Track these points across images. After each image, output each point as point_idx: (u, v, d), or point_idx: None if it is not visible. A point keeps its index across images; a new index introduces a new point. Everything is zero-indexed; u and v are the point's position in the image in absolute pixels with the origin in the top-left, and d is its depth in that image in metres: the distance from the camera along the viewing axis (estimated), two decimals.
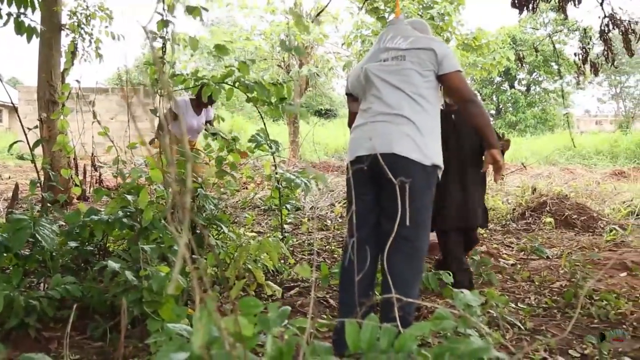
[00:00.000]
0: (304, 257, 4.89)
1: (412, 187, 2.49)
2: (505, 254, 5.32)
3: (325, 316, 3.49)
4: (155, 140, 5.39)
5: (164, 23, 3.27)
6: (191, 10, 3.26)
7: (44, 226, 3.02)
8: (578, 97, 65.70)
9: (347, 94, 3.19)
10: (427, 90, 2.71)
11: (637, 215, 7.46)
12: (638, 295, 4.14)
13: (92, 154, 6.76)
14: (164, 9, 3.21)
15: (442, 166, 2.75)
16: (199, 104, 5.81)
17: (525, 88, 34.54)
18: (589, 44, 7.24)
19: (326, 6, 5.81)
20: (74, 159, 6.40)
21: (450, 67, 2.70)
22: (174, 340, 1.37)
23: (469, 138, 3.95)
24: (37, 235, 2.94)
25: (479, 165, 3.92)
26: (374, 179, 2.73)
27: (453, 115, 4.01)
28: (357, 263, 2.68)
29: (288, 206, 4.48)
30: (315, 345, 1.27)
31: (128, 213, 3.22)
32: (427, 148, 2.64)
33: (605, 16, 6.54)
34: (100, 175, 7.13)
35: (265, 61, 15.48)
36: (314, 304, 3.72)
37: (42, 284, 3.23)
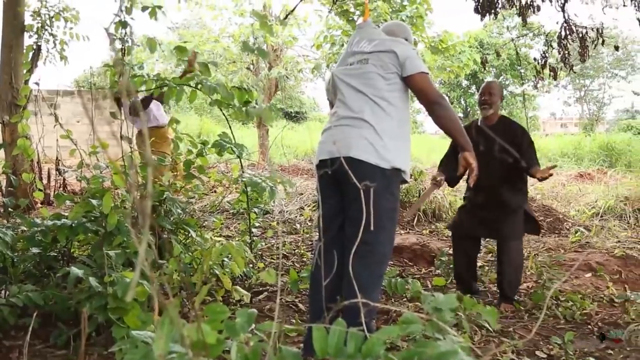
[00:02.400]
0: (272, 261, 4.85)
1: (369, 191, 2.50)
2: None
3: (294, 320, 3.47)
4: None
5: (122, 24, 3.22)
6: (145, 9, 3.22)
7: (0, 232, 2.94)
8: (544, 100, 66.79)
9: (328, 99, 3.18)
10: (390, 93, 2.69)
11: (601, 216, 7.58)
12: (603, 295, 4.21)
13: (57, 157, 6.63)
14: (122, 10, 3.17)
15: (406, 169, 2.73)
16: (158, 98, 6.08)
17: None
18: (549, 49, 7.36)
19: (294, 9, 5.79)
20: (38, 162, 6.27)
21: (412, 68, 2.66)
22: (140, 348, 1.34)
23: (501, 150, 3.91)
24: None
25: (512, 180, 3.94)
26: (336, 182, 2.74)
27: (487, 132, 3.98)
28: (324, 267, 2.68)
29: (256, 210, 4.44)
30: (283, 350, 1.26)
31: (92, 218, 3.16)
32: (387, 151, 2.62)
33: (565, 22, 6.66)
34: (64, 179, 6.99)
35: (234, 64, 15.37)
36: (283, 308, 3.69)
37: (2, 292, 3.14)
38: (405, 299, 3.95)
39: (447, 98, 3.04)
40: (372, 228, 2.43)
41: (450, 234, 4.76)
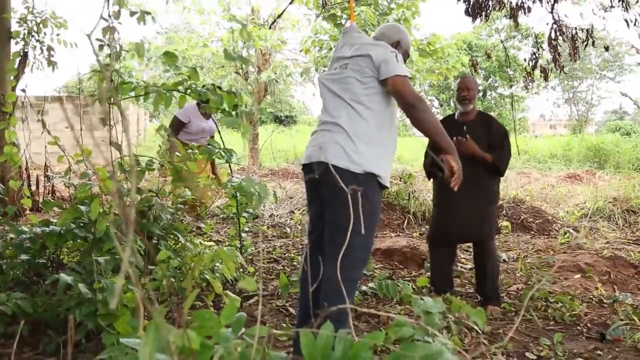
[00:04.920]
0: (263, 265, 4.85)
1: (341, 195, 2.51)
2: (464, 258, 5.38)
3: (284, 324, 3.47)
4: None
5: (110, 29, 3.21)
6: (133, 14, 3.21)
7: None
8: (533, 101, 67.04)
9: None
10: (367, 97, 2.68)
11: (590, 217, 7.63)
12: (592, 296, 4.24)
13: (45, 164, 6.59)
14: (109, 15, 3.16)
15: (381, 174, 2.68)
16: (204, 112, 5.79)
17: (482, 93, 35.11)
18: (539, 50, 7.40)
19: (282, 13, 5.79)
20: (26, 169, 6.23)
21: (388, 72, 2.64)
22: (129, 355, 1.34)
23: (478, 145, 3.91)
24: None
25: (488, 179, 3.95)
26: (316, 187, 2.78)
27: (465, 126, 3.99)
28: (310, 269, 2.71)
29: (245, 214, 4.44)
30: (271, 355, 1.26)
31: (81, 224, 3.14)
32: (359, 155, 2.61)
33: (555, 23, 6.70)
34: (53, 185, 6.95)
35: (223, 68, 15.36)
36: (274, 312, 3.69)
37: None
38: (395, 302, 3.96)
39: (426, 100, 2.96)
40: (343, 231, 2.48)
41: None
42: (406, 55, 3.06)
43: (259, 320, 1.32)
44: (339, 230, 2.59)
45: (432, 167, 3.95)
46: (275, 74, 15.12)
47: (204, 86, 3.61)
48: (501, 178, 4.14)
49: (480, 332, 3.40)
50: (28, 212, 5.92)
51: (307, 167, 2.80)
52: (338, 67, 2.81)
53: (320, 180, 2.68)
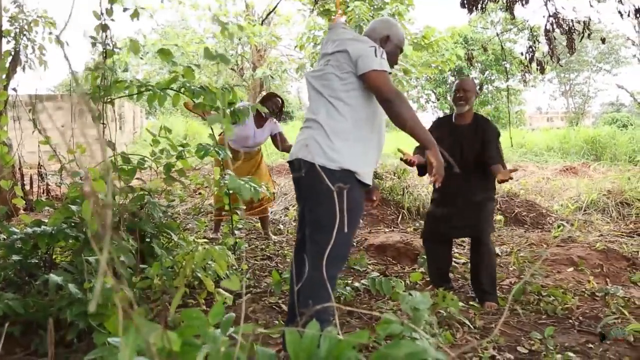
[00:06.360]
0: (256, 262, 4.86)
1: (318, 192, 2.54)
2: (457, 252, 5.38)
3: (277, 322, 3.48)
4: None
5: (103, 27, 3.21)
6: (126, 10, 3.21)
7: None
8: (530, 94, 67.06)
9: None
10: (346, 93, 2.66)
11: (584, 210, 7.64)
12: (584, 289, 4.25)
13: (39, 163, 6.59)
14: (102, 13, 3.15)
15: (359, 170, 2.65)
16: (261, 116, 5.52)
17: (478, 87, 35.12)
18: (535, 43, 7.39)
19: (274, 9, 5.78)
20: (20, 168, 6.23)
21: (364, 67, 2.61)
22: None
23: (472, 149, 3.93)
24: None
25: (481, 177, 3.95)
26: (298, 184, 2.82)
27: (462, 132, 3.99)
28: (295, 267, 2.73)
29: (238, 212, 4.44)
30: (258, 352, 1.27)
31: (72, 224, 3.14)
32: (335, 152, 2.60)
33: (549, 15, 6.69)
34: (47, 185, 6.95)
35: (218, 65, 15.33)
36: (266, 310, 3.70)
37: None
38: (388, 297, 3.97)
39: (403, 95, 2.87)
40: (320, 228, 2.56)
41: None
42: (398, 50, 3.03)
43: (242, 319, 1.33)
44: (316, 227, 2.62)
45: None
46: (271, 70, 15.12)
47: (201, 86, 3.60)
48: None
49: (472, 326, 3.41)
50: (22, 211, 5.92)
51: (292, 165, 2.82)
52: (322, 64, 2.80)
53: (300, 177, 2.71)
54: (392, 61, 2.96)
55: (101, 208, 1.05)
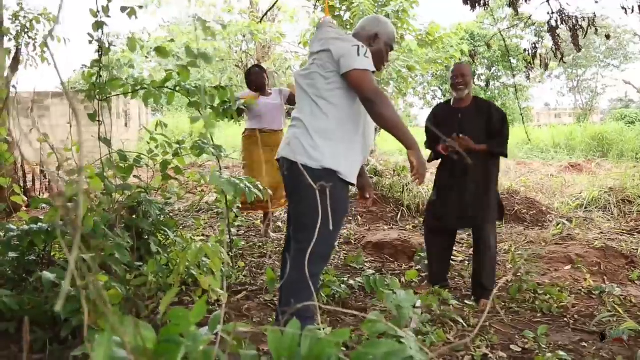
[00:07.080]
0: (253, 260, 4.87)
1: (300, 190, 2.58)
2: (455, 250, 5.38)
3: (271, 319, 3.49)
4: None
5: (99, 24, 3.22)
6: (124, 10, 3.23)
7: None
8: (538, 90, 66.73)
9: None
10: (330, 92, 2.67)
11: (586, 207, 7.61)
12: (581, 288, 4.24)
13: (40, 160, 6.62)
14: (99, 11, 3.17)
15: (341, 169, 2.65)
16: (255, 89, 5.65)
17: (485, 83, 34.94)
18: (539, 39, 7.38)
19: (274, 5, 5.79)
20: (22, 166, 6.26)
21: (346, 66, 2.61)
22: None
23: (473, 131, 3.89)
24: None
25: (483, 164, 3.94)
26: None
27: (460, 114, 3.98)
28: (282, 265, 2.75)
29: (235, 209, 4.45)
30: (241, 352, 1.29)
31: (70, 221, 3.15)
32: (317, 151, 2.62)
33: (553, 12, 6.67)
34: (49, 182, 6.98)
35: (222, 61, 15.37)
36: (261, 307, 3.71)
37: None
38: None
39: (385, 95, 2.85)
40: (301, 227, 2.61)
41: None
42: (388, 47, 3.01)
43: (222, 318, 1.34)
44: (298, 225, 2.66)
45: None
46: (275, 66, 15.13)
47: (196, 86, 3.62)
48: (499, 169, 4.14)
49: (465, 325, 3.42)
50: (24, 208, 5.95)
51: (279, 163, 2.87)
52: (309, 63, 2.82)
53: (283, 176, 2.75)
54: (381, 60, 2.96)
55: (67, 209, 1.06)
